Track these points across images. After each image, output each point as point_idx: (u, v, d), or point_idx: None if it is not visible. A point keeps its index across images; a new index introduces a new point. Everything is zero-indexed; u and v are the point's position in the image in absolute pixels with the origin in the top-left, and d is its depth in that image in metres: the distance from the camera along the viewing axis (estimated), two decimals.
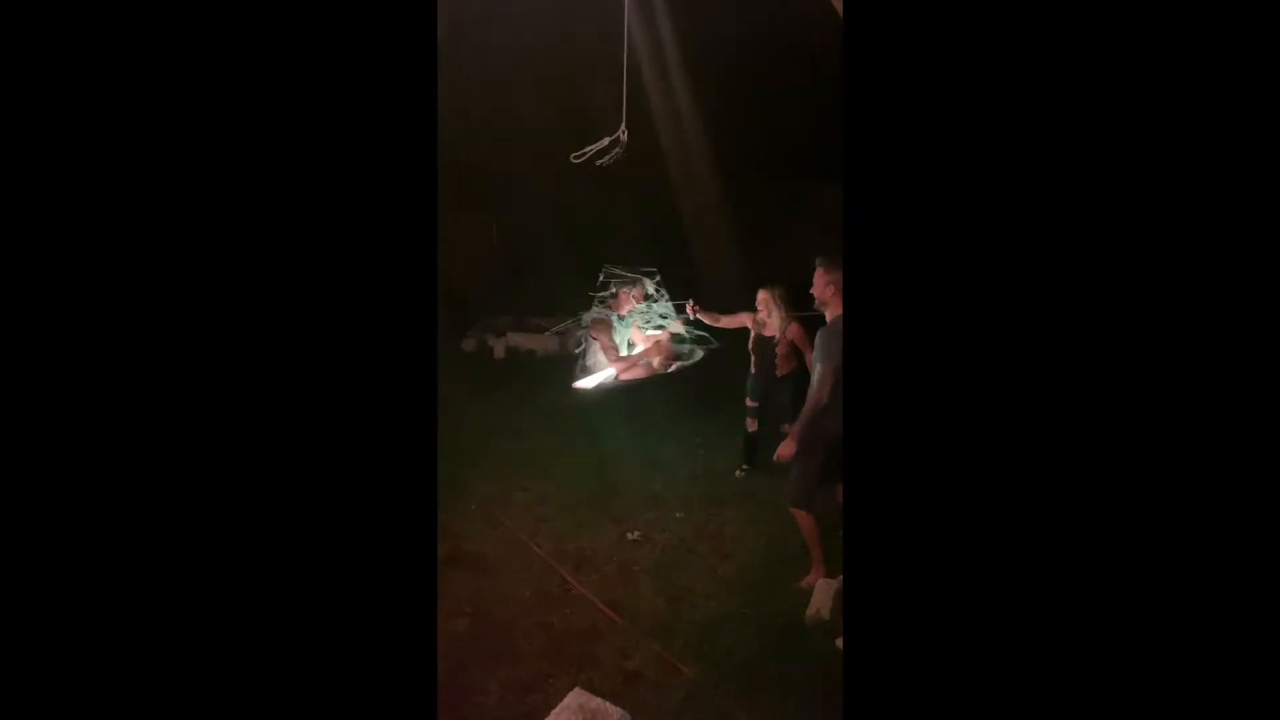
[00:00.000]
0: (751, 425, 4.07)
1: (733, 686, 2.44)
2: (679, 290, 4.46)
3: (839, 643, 2.61)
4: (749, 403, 4.03)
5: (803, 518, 3.01)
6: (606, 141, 3.13)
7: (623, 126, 3.17)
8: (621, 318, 4.31)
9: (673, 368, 4.38)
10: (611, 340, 4.33)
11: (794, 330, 3.73)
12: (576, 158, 3.12)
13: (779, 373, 3.83)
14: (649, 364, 4.32)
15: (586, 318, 4.45)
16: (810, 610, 2.78)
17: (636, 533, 3.50)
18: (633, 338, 4.40)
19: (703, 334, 4.24)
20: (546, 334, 5.18)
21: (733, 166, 8.05)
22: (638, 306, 4.32)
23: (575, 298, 4.80)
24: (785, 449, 2.86)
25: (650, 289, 4.33)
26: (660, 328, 4.32)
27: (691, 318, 3.89)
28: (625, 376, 4.37)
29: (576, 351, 4.54)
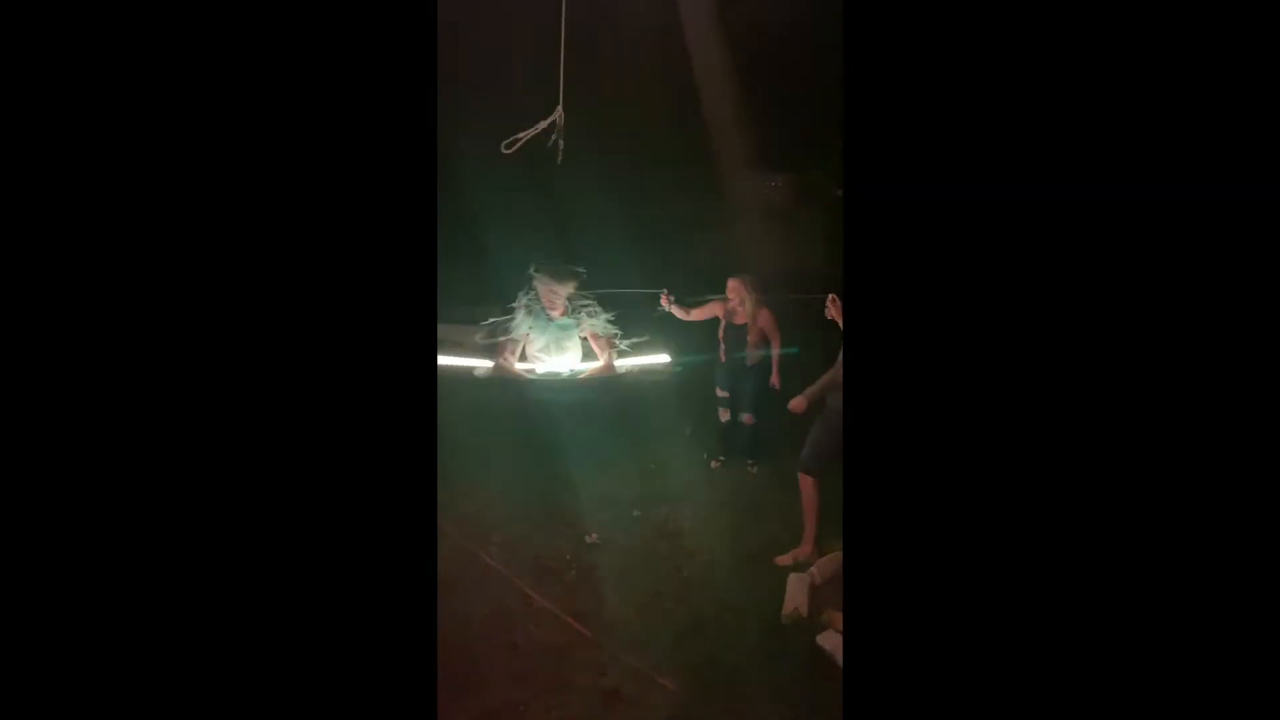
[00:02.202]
0: (724, 415, 3.95)
1: (718, 698, 2.31)
2: (611, 280, 4.31)
3: (819, 640, 2.54)
4: (719, 393, 3.92)
5: (808, 485, 3.02)
6: (543, 125, 2.89)
7: (559, 108, 2.95)
8: (552, 319, 4.10)
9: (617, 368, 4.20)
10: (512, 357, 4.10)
11: (764, 317, 3.68)
12: (508, 146, 2.87)
13: (749, 362, 3.74)
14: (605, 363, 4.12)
15: (513, 327, 4.17)
16: (787, 609, 2.69)
17: (594, 536, 3.32)
18: (564, 340, 4.18)
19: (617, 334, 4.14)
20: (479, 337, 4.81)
21: (678, 154, 7.89)
22: (568, 307, 4.13)
23: (505, 288, 4.55)
24: (797, 403, 3.00)
25: (571, 289, 4.13)
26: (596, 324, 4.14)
27: (667, 309, 3.77)
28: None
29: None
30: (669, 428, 4.52)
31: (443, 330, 6.97)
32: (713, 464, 4.05)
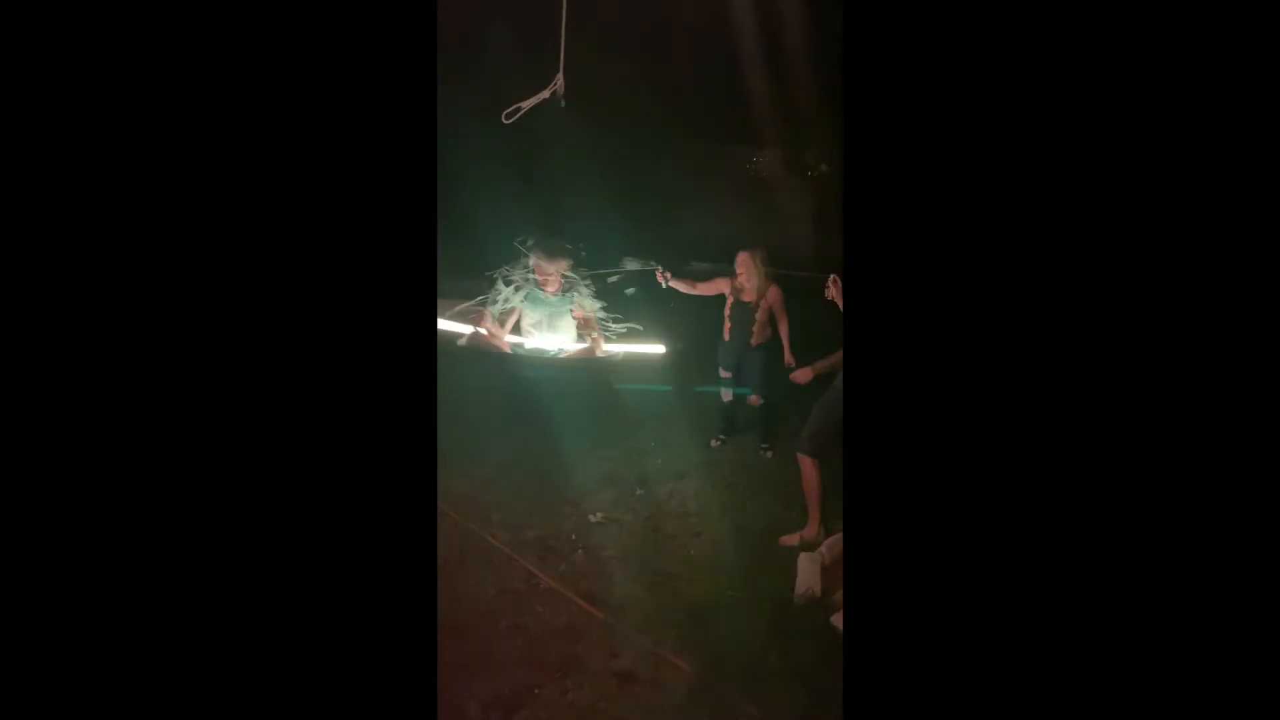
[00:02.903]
0: (727, 396, 3.87)
1: (735, 678, 2.28)
2: (597, 259, 4.23)
3: (833, 620, 2.51)
4: (722, 373, 3.82)
5: (808, 467, 2.96)
6: (549, 93, 2.90)
7: (559, 75, 2.92)
8: (546, 296, 4.01)
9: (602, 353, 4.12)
10: (498, 327, 4.02)
11: (774, 294, 3.56)
12: (509, 116, 2.87)
13: (755, 341, 3.63)
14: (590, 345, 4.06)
15: (502, 299, 4.07)
16: (800, 589, 2.66)
17: (599, 514, 3.26)
18: (556, 318, 4.10)
19: (609, 318, 4.08)
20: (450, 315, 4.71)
21: (669, 129, 7.77)
22: (563, 285, 4.04)
23: (498, 263, 4.46)
24: (802, 374, 3.17)
25: (565, 267, 4.05)
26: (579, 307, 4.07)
27: (665, 286, 3.64)
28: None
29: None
30: (666, 407, 4.46)
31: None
32: (712, 443, 3.99)
